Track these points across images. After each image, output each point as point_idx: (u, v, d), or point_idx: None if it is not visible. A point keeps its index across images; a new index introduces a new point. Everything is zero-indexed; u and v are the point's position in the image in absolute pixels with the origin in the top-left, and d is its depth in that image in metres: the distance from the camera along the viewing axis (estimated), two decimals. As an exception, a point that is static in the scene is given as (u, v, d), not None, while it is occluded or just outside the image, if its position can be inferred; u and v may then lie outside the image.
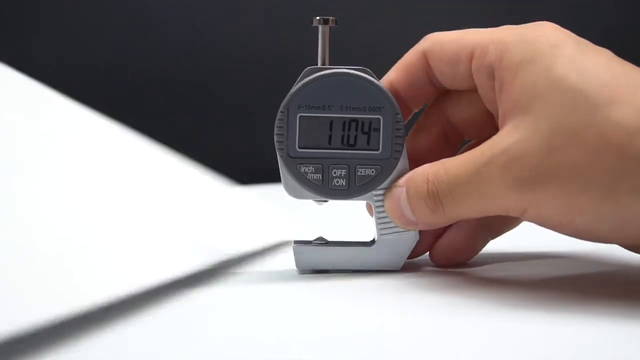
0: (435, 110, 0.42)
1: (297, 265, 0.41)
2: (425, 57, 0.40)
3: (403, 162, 0.40)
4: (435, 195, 0.37)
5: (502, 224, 0.43)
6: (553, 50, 0.36)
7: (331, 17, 0.40)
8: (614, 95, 0.34)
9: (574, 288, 0.38)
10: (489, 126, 0.41)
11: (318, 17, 0.39)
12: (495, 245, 0.44)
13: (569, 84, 0.34)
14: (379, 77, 0.40)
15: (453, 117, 0.42)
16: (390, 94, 0.39)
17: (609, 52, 0.37)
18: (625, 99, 0.34)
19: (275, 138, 0.39)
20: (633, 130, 0.33)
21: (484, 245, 0.43)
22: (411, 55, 0.41)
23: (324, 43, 0.40)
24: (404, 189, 0.39)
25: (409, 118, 0.43)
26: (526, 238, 0.46)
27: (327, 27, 0.40)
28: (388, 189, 0.40)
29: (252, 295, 0.38)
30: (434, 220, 0.38)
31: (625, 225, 0.34)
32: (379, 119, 0.39)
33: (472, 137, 0.43)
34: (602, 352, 0.30)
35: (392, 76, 0.41)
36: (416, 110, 0.43)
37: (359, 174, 0.40)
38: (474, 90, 0.40)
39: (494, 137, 0.36)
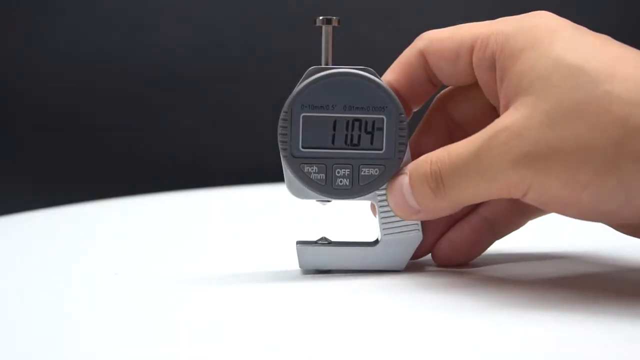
0: (438, 109, 0.42)
1: (300, 265, 0.41)
2: (422, 55, 0.40)
3: (407, 161, 0.39)
4: (437, 176, 0.37)
5: (505, 224, 0.42)
6: (551, 35, 0.36)
7: (334, 17, 0.39)
8: (614, 71, 0.34)
9: (576, 288, 0.38)
10: (492, 121, 0.42)
11: (321, 17, 0.39)
12: (498, 246, 0.44)
13: (568, 62, 0.35)
14: (381, 76, 0.40)
15: (456, 115, 0.42)
16: (393, 94, 0.39)
17: (608, 36, 0.37)
18: (626, 74, 0.34)
19: (279, 138, 0.39)
20: (636, 102, 0.33)
21: (487, 246, 0.43)
22: (408, 55, 0.41)
23: (327, 43, 0.39)
24: (407, 174, 0.39)
25: (409, 117, 0.42)
26: (528, 238, 0.46)
27: (330, 27, 0.39)
28: (391, 178, 0.40)
29: (255, 295, 0.38)
30: (435, 204, 0.38)
31: (631, 198, 0.34)
32: (383, 118, 0.39)
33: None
34: (603, 351, 0.30)
35: (390, 77, 0.41)
36: (416, 109, 0.43)
37: (362, 173, 0.39)
38: (474, 86, 0.40)
39: (496, 120, 0.36)
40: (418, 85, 0.41)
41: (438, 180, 0.37)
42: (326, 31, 0.39)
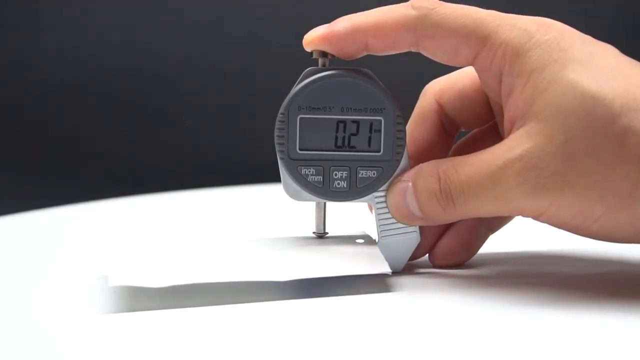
0: (431, 102, 0.42)
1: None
2: (437, 103, 0.42)
3: (404, 163, 0.39)
4: (447, 194, 0.37)
5: (499, 219, 0.43)
6: (563, 55, 0.35)
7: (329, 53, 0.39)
8: (630, 101, 0.34)
9: (570, 286, 0.38)
10: (485, 117, 0.42)
11: (318, 51, 0.39)
12: (495, 246, 0.44)
13: (582, 89, 0.34)
14: (378, 77, 0.40)
15: (449, 109, 0.42)
16: (391, 95, 0.39)
17: (614, 49, 0.37)
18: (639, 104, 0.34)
19: (276, 140, 0.39)
20: None
21: (483, 243, 0.43)
22: (421, 104, 0.42)
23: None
24: (410, 183, 0.39)
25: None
26: (524, 237, 0.46)
27: (326, 60, 0.39)
28: (391, 183, 0.40)
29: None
30: (443, 217, 0.38)
31: None
32: (380, 120, 0.39)
33: (469, 128, 0.43)
34: (599, 347, 0.30)
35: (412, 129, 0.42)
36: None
37: (360, 175, 0.39)
38: (468, 83, 0.41)
39: (507, 142, 0.36)
40: (435, 134, 0.42)
41: (448, 198, 0.37)
42: (322, 62, 0.39)
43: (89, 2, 0.98)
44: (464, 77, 0.42)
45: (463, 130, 0.44)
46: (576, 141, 0.34)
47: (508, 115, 0.37)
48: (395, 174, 0.39)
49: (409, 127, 0.43)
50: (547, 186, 0.35)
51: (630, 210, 0.34)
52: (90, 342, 0.32)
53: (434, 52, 0.38)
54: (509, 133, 0.37)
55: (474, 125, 0.43)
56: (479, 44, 0.37)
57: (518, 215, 0.37)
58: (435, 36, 0.37)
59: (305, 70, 0.39)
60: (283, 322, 0.34)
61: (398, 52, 0.39)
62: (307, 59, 0.40)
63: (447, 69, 0.43)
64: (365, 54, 0.39)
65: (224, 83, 0.98)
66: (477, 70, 0.39)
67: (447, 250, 0.42)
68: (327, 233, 0.42)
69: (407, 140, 0.40)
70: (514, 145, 0.35)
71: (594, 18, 0.85)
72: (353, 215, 0.49)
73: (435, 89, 0.42)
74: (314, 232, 0.42)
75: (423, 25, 0.37)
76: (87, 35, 0.97)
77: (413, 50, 0.39)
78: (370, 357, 0.29)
